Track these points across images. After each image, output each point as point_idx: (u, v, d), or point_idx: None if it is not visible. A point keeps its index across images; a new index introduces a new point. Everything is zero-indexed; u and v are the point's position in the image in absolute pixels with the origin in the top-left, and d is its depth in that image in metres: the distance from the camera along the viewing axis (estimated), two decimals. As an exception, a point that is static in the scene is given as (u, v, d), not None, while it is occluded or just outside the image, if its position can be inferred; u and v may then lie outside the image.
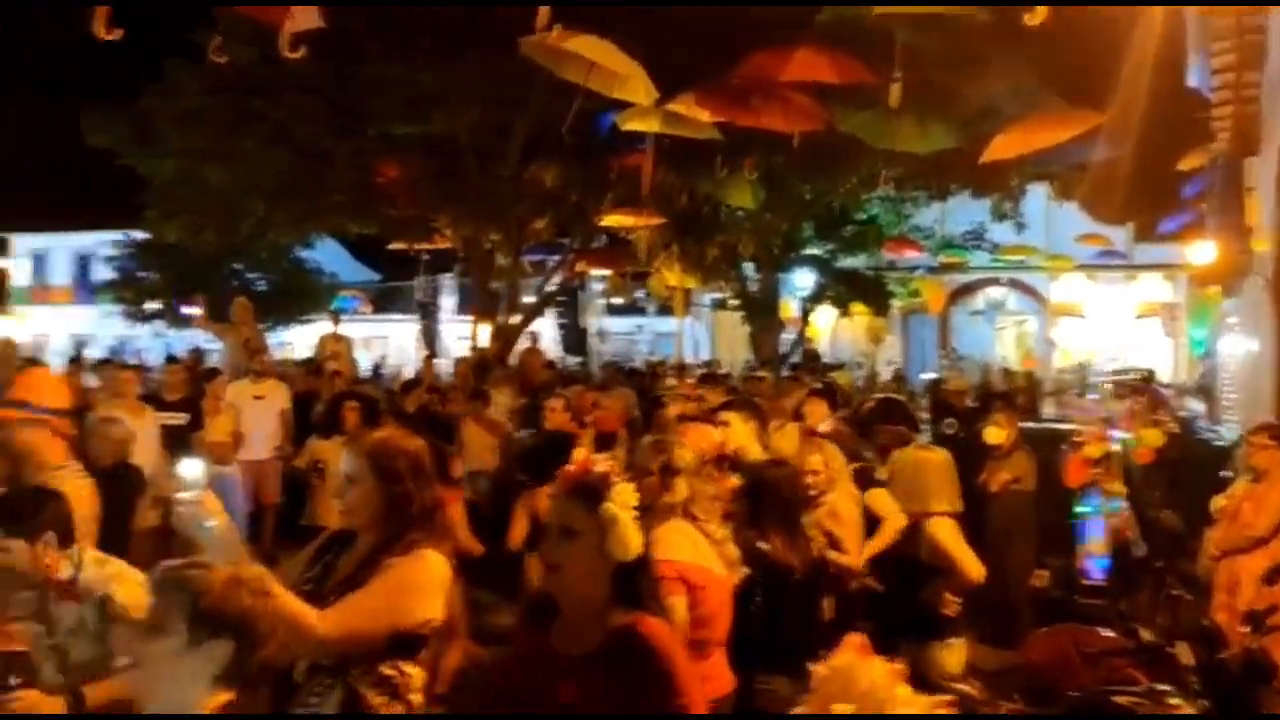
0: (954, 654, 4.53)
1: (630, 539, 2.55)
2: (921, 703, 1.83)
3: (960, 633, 4.66)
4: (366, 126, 14.14)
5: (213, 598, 2.10)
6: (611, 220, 15.22)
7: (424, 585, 2.89)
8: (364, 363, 19.45)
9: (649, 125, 9.71)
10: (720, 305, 22.82)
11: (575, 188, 15.72)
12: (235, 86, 13.08)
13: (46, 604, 3.19)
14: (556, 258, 17.88)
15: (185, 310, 23.90)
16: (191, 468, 2.83)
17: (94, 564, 3.31)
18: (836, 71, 8.38)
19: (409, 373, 17.09)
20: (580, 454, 2.92)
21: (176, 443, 8.22)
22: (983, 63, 10.67)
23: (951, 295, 25.52)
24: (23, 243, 37.93)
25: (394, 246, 18.73)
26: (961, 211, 20.38)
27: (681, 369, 15.58)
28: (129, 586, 3.24)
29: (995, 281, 26.44)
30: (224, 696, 2.07)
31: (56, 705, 2.98)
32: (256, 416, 9.67)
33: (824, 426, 6.58)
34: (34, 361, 10.08)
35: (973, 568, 4.69)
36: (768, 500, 4.29)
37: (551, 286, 18.18)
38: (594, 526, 2.55)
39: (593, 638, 2.53)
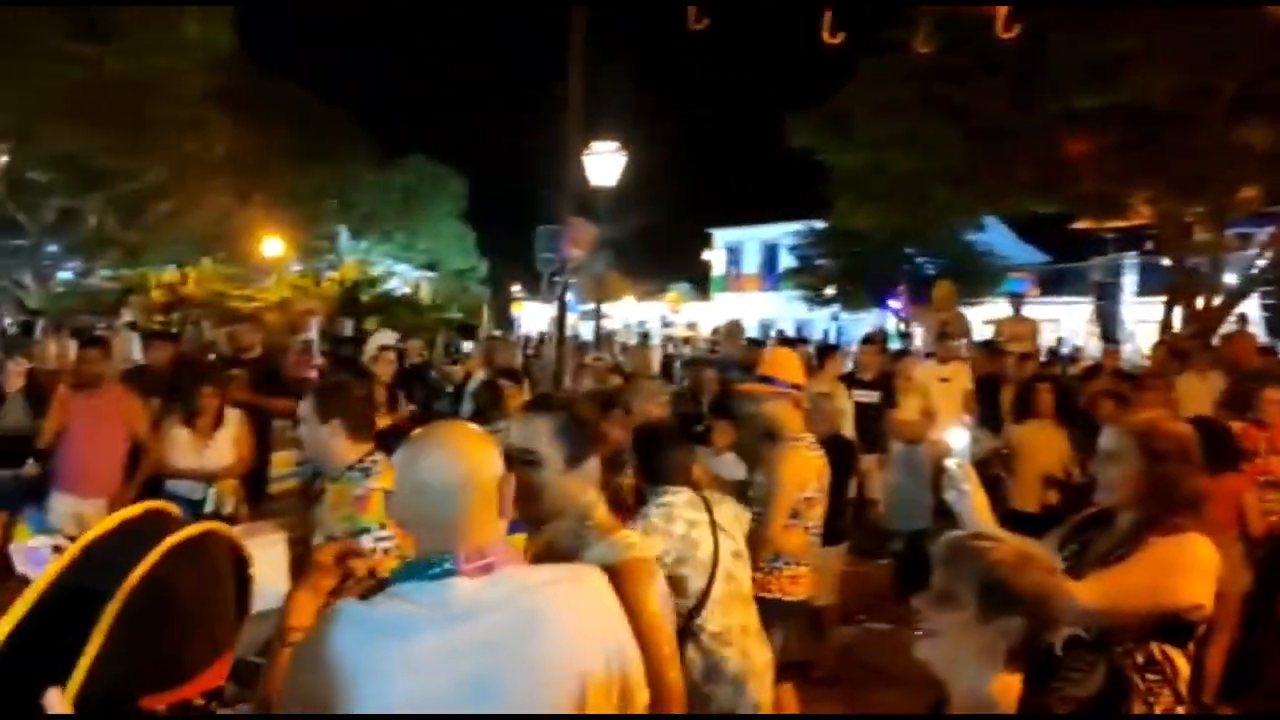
0: None
1: None
2: None
3: None
4: (1050, 101, 13.72)
5: (1005, 571, 2.03)
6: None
7: (1190, 567, 2.76)
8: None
9: None
10: None
11: (1297, 148, 13.70)
12: (922, 75, 13.49)
13: None
14: (1268, 229, 15.77)
15: (891, 300, 24.87)
16: (958, 437, 2.96)
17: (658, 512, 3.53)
18: None
19: (1081, 356, 16.27)
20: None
21: (869, 420, 8.70)
22: None
23: None
24: (721, 236, 42.97)
25: (1079, 225, 17.90)
26: None
27: None
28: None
29: None
30: (1015, 675, 2.01)
31: None
32: (942, 397, 9.87)
33: None
34: (758, 341, 11.23)
35: None
36: None
37: (1261, 262, 16.07)
38: None
39: None
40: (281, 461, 7.36)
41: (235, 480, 6.49)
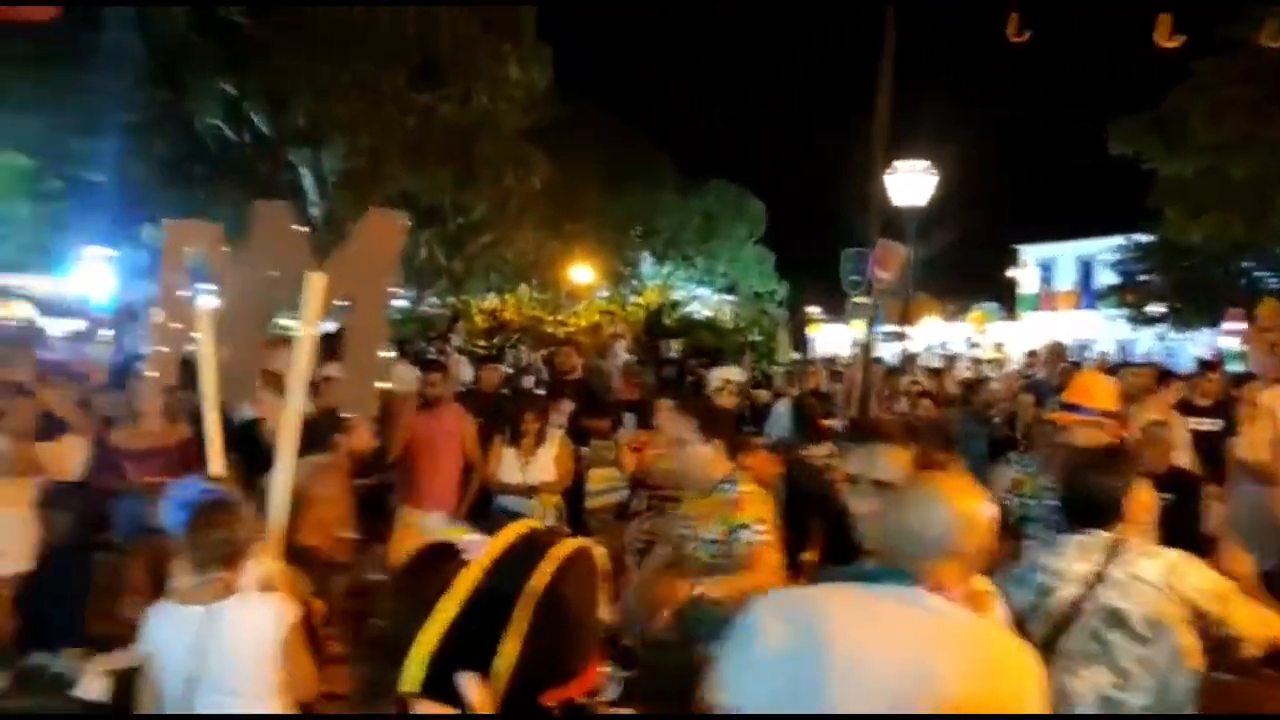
0: None
1: None
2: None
3: None
4: None
5: None
6: None
7: None
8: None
9: None
10: None
11: None
12: (1268, 73, 12.28)
13: None
14: None
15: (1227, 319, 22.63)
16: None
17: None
18: None
19: None
20: None
21: (1208, 449, 8.00)
22: None
23: None
24: (1031, 252, 40.81)
25: None
26: None
27: None
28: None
29: None
30: None
31: None
32: (1297, 426, 8.90)
33: None
34: (1076, 364, 10.65)
35: None
36: None
37: None
38: None
39: None
40: (599, 478, 7.70)
41: (556, 495, 6.88)
